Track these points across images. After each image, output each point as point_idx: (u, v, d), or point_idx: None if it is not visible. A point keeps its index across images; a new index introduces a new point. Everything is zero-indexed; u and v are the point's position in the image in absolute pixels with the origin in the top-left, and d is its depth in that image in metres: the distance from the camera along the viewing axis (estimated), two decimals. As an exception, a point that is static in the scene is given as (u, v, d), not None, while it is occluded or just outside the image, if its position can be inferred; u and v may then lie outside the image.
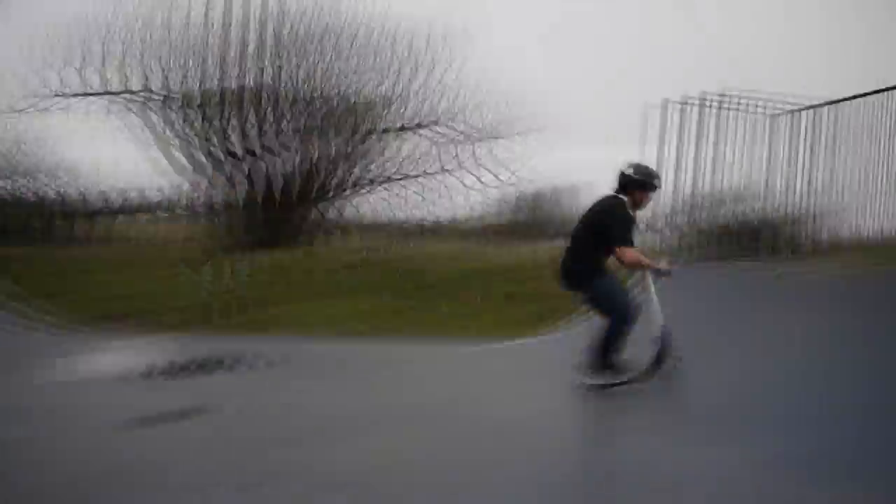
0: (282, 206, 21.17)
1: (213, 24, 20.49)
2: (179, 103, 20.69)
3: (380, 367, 7.84)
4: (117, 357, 8.45)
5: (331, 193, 23.24)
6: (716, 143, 8.98)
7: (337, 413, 5.55)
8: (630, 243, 5.86)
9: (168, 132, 20.94)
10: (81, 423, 5.11)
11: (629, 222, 5.94)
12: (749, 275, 7.96)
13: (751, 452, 4.30)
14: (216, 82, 20.89)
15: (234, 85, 20.00)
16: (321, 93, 21.85)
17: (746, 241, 9.74)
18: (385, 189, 23.56)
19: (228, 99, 20.45)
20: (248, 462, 4.24)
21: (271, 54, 21.22)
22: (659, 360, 5.92)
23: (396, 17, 22.15)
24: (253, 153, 20.85)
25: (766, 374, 6.26)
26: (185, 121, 20.97)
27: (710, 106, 9.05)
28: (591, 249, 5.97)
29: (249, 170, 20.74)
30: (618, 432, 5.33)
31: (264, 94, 21.35)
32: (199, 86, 20.82)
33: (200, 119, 20.92)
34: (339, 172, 22.90)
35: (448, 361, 8.38)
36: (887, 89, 7.57)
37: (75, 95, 19.98)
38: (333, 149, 21.93)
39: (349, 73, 21.94)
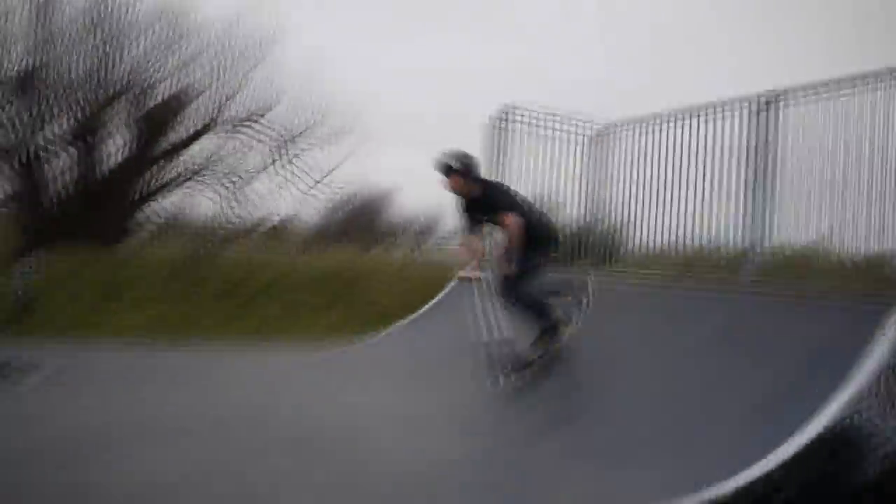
0: (96, 203, 19.81)
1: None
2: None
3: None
4: None
5: (150, 191, 22.10)
6: (536, 157, 9.17)
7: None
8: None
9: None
10: None
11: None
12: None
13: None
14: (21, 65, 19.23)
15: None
16: (141, 83, 20.67)
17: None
18: (205, 188, 22.72)
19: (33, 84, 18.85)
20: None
21: (79, 39, 19.79)
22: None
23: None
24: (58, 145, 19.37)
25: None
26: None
27: (531, 122, 9.28)
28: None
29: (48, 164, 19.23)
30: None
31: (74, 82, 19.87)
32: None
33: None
34: (158, 169, 21.89)
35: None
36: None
37: None
38: (155, 144, 20.88)
39: (170, 65, 20.95)
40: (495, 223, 6.12)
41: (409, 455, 4.80)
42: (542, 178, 9.31)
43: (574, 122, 9.36)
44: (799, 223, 6.41)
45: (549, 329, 6.01)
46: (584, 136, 9.42)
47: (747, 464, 3.71)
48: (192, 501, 3.83)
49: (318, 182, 22.96)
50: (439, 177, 6.11)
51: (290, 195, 23.10)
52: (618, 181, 8.95)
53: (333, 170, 23.00)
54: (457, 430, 5.49)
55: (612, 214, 9.62)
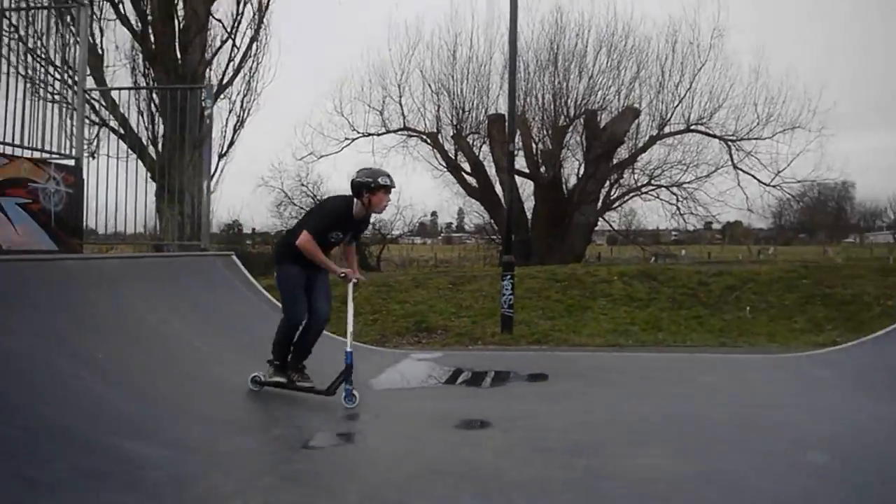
0: (560, 221, 21.92)
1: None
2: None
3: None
4: None
5: (606, 205, 23.62)
6: None
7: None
8: (314, 232, 5.93)
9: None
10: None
11: (331, 216, 6.08)
12: None
13: None
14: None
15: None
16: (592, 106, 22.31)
17: None
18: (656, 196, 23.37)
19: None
20: None
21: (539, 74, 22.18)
22: (339, 377, 5.89)
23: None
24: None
25: None
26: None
27: None
28: (291, 235, 6.25)
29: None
30: None
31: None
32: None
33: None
34: (611, 184, 23.31)
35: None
36: None
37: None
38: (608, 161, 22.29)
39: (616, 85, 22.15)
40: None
41: None
42: None
43: None
44: None
45: None
46: None
47: None
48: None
49: (774, 177, 21.80)
50: (374, 193, 6.01)
51: (743, 194, 22.36)
52: None
53: (789, 164, 21.70)
54: None
55: None
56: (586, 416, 5.76)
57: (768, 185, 22.07)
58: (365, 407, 5.99)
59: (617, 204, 23.80)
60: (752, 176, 21.99)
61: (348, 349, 5.99)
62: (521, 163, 22.36)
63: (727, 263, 20.46)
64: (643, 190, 23.01)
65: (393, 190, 6.17)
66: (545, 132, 22.28)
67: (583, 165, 22.55)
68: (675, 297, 13.97)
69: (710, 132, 21.91)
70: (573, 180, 22.99)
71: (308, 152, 24.07)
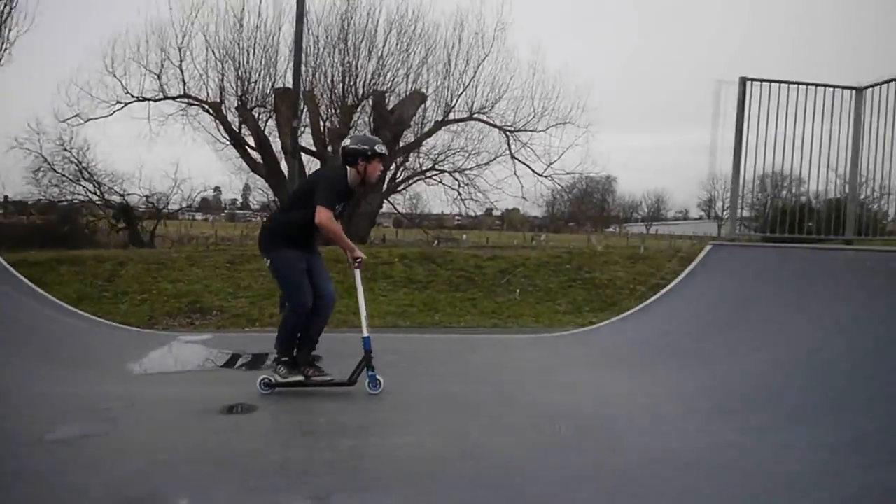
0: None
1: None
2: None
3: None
4: None
5: (391, 188, 23.69)
6: (793, 122, 8.42)
7: None
8: (329, 206, 5.51)
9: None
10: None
11: (337, 187, 5.65)
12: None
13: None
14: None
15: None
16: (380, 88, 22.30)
17: (822, 221, 9.22)
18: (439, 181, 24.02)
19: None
20: None
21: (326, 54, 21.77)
22: (359, 366, 5.82)
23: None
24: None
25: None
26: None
27: (789, 83, 8.54)
28: (288, 214, 5.85)
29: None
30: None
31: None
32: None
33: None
34: (397, 167, 23.48)
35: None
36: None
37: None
38: (394, 143, 22.41)
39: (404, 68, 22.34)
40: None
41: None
42: (785, 150, 8.56)
43: (825, 87, 8.48)
44: None
45: None
46: (841, 99, 8.52)
47: None
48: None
49: (546, 168, 23.30)
50: (370, 162, 5.75)
51: (518, 183, 23.69)
52: (884, 145, 8.00)
53: (560, 156, 23.34)
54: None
55: (875, 182, 8.65)
56: (356, 398, 5.74)
57: (541, 175, 23.63)
58: (118, 395, 5.54)
59: (402, 187, 24.20)
60: (528, 166, 23.43)
61: (365, 334, 5.80)
62: (308, 140, 21.99)
63: (502, 248, 21.61)
64: (427, 174, 23.63)
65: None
66: (333, 110, 22.05)
67: (370, 147, 22.58)
68: (453, 279, 14.48)
69: (491, 121, 22.97)
70: (360, 161, 22.97)
71: (73, 114, 21.71)
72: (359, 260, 5.93)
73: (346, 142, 5.88)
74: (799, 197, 10.58)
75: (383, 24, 21.93)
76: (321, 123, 22.06)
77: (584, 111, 23.02)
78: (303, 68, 18.80)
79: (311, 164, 22.66)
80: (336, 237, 5.62)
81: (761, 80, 8.50)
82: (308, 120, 21.65)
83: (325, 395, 5.80)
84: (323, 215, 5.43)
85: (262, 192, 26.39)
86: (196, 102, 21.93)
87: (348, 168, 5.71)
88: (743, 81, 8.60)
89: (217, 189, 44.65)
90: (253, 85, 21.58)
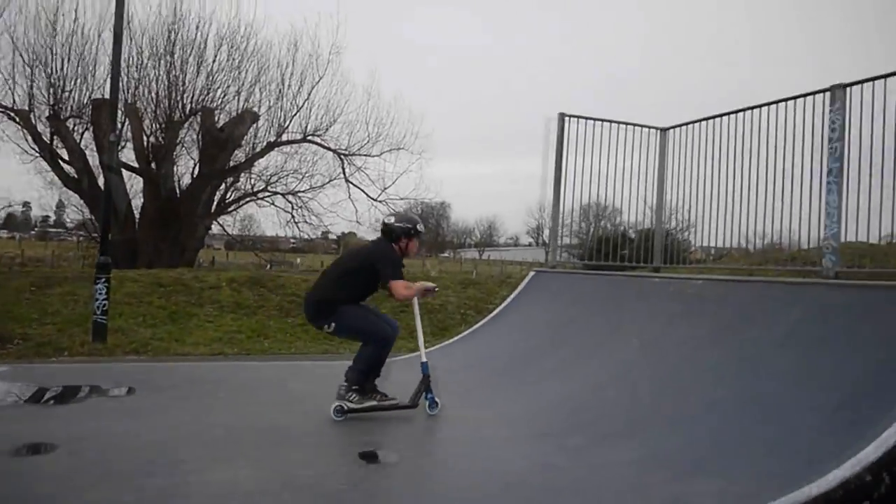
0: (168, 223, 20.56)
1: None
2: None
3: None
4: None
5: (219, 209, 22.75)
6: (608, 156, 9.01)
7: None
8: (401, 278, 6.11)
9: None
10: None
11: (397, 261, 6.18)
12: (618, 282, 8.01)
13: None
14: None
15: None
16: (208, 105, 21.42)
17: (635, 249, 9.91)
18: (271, 204, 23.43)
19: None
20: None
21: (151, 66, 20.62)
22: (418, 389, 6.20)
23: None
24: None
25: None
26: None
27: (603, 121, 9.13)
28: (346, 291, 6.16)
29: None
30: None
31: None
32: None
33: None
34: (226, 188, 22.63)
35: None
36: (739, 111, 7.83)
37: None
38: (223, 163, 21.56)
39: (235, 86, 21.67)
40: None
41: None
42: (600, 183, 9.16)
43: (633, 126, 9.19)
44: (877, 214, 6.17)
45: None
46: (649, 137, 9.25)
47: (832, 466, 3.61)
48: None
49: (381, 193, 23.41)
50: (411, 240, 6.30)
51: (353, 207, 23.62)
52: (685, 181, 8.76)
53: (394, 181, 23.56)
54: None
55: (679, 214, 9.44)
56: (171, 432, 5.38)
57: (376, 199, 23.68)
58: None
59: (232, 208, 23.35)
60: (362, 190, 23.38)
61: (423, 360, 6.21)
62: (130, 156, 20.70)
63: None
64: (259, 195, 22.96)
65: None
66: (158, 125, 20.91)
67: (198, 165, 21.65)
68: (284, 304, 14.12)
69: (326, 144, 22.74)
70: (187, 179, 21.94)
71: None
72: (434, 288, 6.40)
73: (391, 220, 6.35)
74: (616, 227, 11.34)
75: (213, 38, 21.13)
76: (144, 139, 20.84)
77: (418, 138, 23.42)
78: (124, 79, 17.70)
79: (133, 181, 21.38)
80: (416, 296, 6.19)
81: (578, 117, 9.08)
82: (130, 134, 20.38)
83: (136, 431, 5.39)
84: (403, 290, 6.04)
85: (76, 210, 24.35)
86: (1, 109, 19.99)
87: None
88: (562, 117, 9.14)
89: (26, 205, 40.62)
90: (67, 94, 20.01)
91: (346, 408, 6.03)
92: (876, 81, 6.20)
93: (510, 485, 4.33)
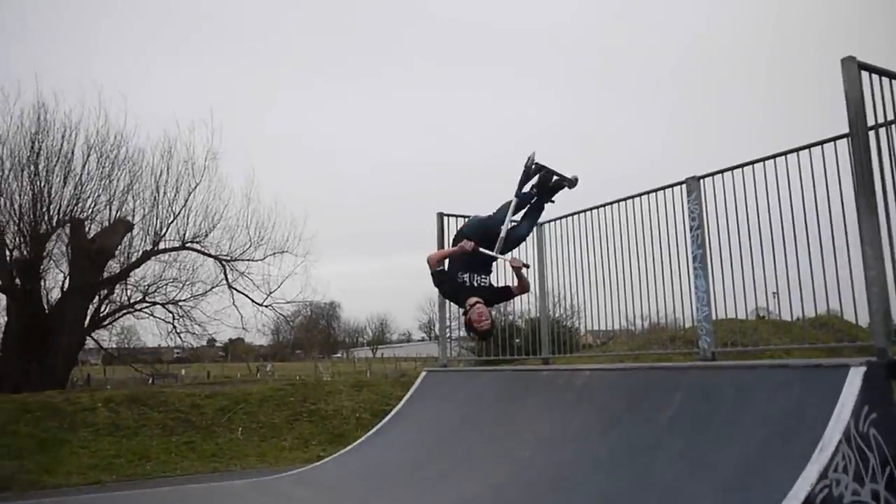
0: (37, 342, 19.20)
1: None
2: None
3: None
4: None
5: (95, 321, 21.52)
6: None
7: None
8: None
9: None
10: None
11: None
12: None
13: None
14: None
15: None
16: (79, 214, 20.54)
17: (519, 339, 10.04)
18: (151, 314, 22.44)
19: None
20: None
21: (14, 175, 19.66)
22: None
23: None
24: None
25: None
26: None
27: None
28: None
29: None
30: None
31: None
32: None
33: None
34: (101, 300, 21.50)
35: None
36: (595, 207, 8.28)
37: None
38: (97, 274, 20.54)
39: (107, 194, 20.96)
40: None
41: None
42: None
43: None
44: (744, 291, 6.56)
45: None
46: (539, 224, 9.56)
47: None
48: None
49: (266, 297, 22.90)
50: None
51: (238, 313, 22.93)
52: (566, 269, 9.06)
53: (279, 285, 23.14)
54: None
55: (564, 301, 9.70)
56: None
57: (261, 304, 23.09)
58: None
59: (108, 321, 22.05)
60: (246, 296, 22.75)
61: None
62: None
63: (222, 384, 20.47)
64: (136, 307, 21.88)
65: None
66: (22, 239, 19.72)
67: (68, 278, 20.47)
68: (167, 422, 13.30)
69: (206, 251, 22.12)
70: (56, 294, 20.66)
71: None
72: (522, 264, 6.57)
73: None
74: (506, 316, 11.50)
75: (81, 146, 20.36)
76: (7, 253, 19.59)
77: (301, 240, 23.27)
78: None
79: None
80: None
81: (455, 216, 9.35)
82: (-9, 250, 19.18)
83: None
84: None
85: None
86: None
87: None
88: (440, 216, 9.39)
89: None
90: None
91: None
92: (725, 173, 6.72)
93: None
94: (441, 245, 9.26)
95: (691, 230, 6.95)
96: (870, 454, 4.24)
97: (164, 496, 8.45)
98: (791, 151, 6.10)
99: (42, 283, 20.29)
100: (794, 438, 4.36)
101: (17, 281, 19.67)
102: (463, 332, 8.07)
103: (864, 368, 4.42)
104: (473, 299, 6.29)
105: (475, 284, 6.52)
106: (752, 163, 6.43)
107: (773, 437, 4.54)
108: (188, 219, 21.67)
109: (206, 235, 21.94)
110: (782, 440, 4.45)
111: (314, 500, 7.44)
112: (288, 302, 23.70)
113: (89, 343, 22.90)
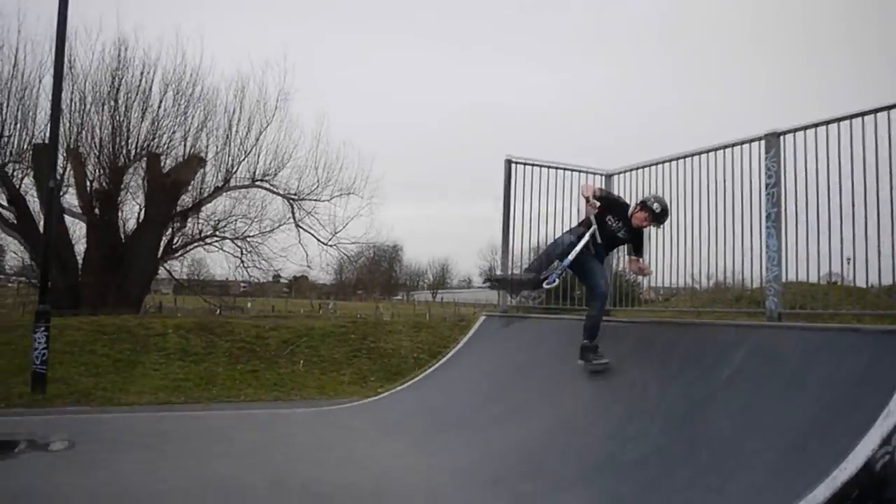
0: (114, 268, 20.05)
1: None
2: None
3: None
4: None
5: (167, 253, 22.27)
6: (555, 199, 9.15)
7: None
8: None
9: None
10: None
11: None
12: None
13: None
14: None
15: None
16: (155, 150, 21.15)
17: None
18: (220, 248, 23.05)
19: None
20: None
21: (95, 110, 20.28)
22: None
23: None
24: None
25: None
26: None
27: (551, 167, 9.28)
28: None
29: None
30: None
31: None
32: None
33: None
34: (174, 232, 22.21)
35: None
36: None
37: None
38: (171, 208, 21.20)
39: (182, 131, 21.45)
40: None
41: None
42: (549, 225, 9.28)
43: (580, 171, 9.38)
44: (818, 255, 6.36)
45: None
46: (595, 179, 9.43)
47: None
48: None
49: (332, 237, 23.27)
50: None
51: (303, 251, 23.39)
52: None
53: (345, 225, 23.47)
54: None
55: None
56: (111, 488, 5.17)
57: (326, 244, 23.50)
58: None
59: (179, 253, 22.86)
60: (312, 234, 23.18)
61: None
62: (73, 201, 20.21)
63: (286, 318, 21.07)
64: (207, 240, 22.60)
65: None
66: (102, 170, 20.48)
67: (143, 210, 21.25)
68: (233, 350, 13.81)
69: (275, 189, 22.55)
70: (132, 224, 21.48)
71: None
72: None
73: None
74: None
75: (158, 83, 20.91)
76: (87, 183, 20.39)
77: (368, 182, 23.43)
78: (66, 124, 17.35)
79: (77, 227, 20.84)
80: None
81: (524, 163, 9.24)
82: (72, 179, 19.94)
83: (68, 489, 5.15)
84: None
85: (16, 256, 23.54)
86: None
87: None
88: (508, 163, 9.29)
89: (-38, 249, 38.98)
90: (7, 139, 19.51)
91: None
92: (808, 130, 6.46)
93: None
94: (508, 189, 9.21)
95: (767, 188, 6.73)
96: (937, 424, 4.11)
97: (230, 419, 8.84)
98: (878, 111, 5.81)
99: (119, 214, 21.12)
100: (859, 403, 4.26)
101: (97, 211, 20.50)
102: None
103: (939, 336, 4.27)
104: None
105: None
106: (838, 120, 6.16)
107: (838, 401, 4.45)
108: (258, 157, 22.10)
109: (276, 174, 22.34)
110: (847, 404, 4.36)
111: (370, 431, 7.68)
112: (352, 242, 24.02)
113: (162, 273, 23.78)
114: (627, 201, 7.31)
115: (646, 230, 7.09)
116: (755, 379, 5.20)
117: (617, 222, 6.86)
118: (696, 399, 5.40)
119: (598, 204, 6.79)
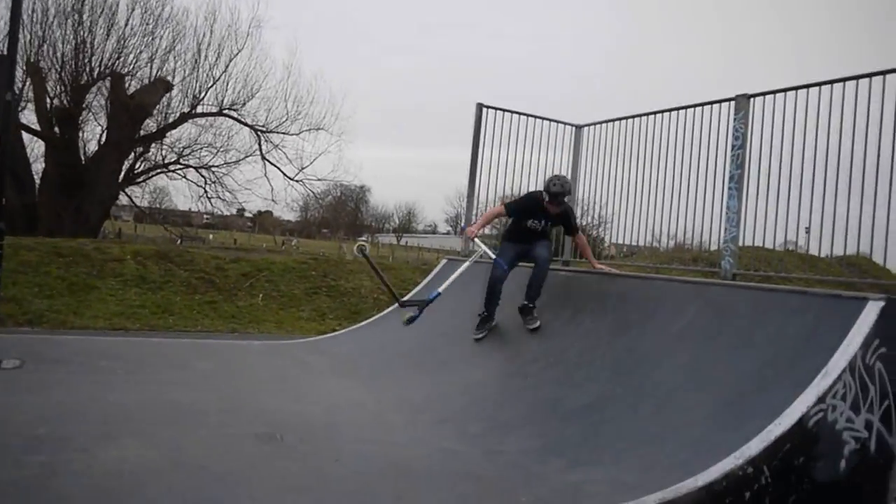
0: (72, 190, 19.57)
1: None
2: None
3: None
4: None
5: (128, 179, 21.81)
6: (524, 149, 9.13)
7: None
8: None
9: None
10: None
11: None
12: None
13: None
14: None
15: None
16: (120, 70, 20.49)
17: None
18: (183, 177, 22.65)
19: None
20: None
21: (58, 23, 19.51)
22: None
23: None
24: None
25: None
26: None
27: (522, 114, 9.23)
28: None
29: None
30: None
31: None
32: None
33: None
34: (136, 157, 21.72)
35: None
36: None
37: None
38: (134, 132, 20.66)
39: (148, 52, 20.80)
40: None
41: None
42: (517, 174, 9.30)
43: (551, 121, 9.34)
44: (775, 222, 6.48)
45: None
46: (563, 133, 9.42)
47: (716, 458, 3.79)
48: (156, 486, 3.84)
49: (298, 172, 23.03)
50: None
51: (269, 185, 23.14)
52: (598, 178, 8.99)
53: (312, 161, 23.24)
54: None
55: (591, 212, 9.66)
56: (61, 408, 5.14)
57: (292, 178, 23.27)
58: None
59: (141, 179, 22.49)
60: (278, 168, 22.93)
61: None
62: (31, 118, 19.63)
63: (248, 251, 20.94)
64: (170, 167, 22.20)
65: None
66: (63, 88, 19.85)
67: (105, 132, 20.70)
68: (192, 280, 13.72)
69: (242, 119, 22.15)
70: (93, 147, 20.96)
71: None
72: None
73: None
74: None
75: (126, 0, 20.26)
76: (48, 100, 19.76)
77: (338, 119, 23.17)
78: (27, 36, 16.69)
79: (35, 144, 20.27)
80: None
81: (496, 108, 9.18)
82: (32, 95, 19.32)
83: (17, 407, 5.12)
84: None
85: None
86: None
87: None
88: (480, 107, 9.21)
89: None
90: (-41, 49, 18.71)
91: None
92: (777, 94, 6.51)
93: (407, 469, 4.36)
94: (477, 135, 9.16)
95: (733, 149, 6.81)
96: (871, 386, 4.28)
97: (184, 347, 8.81)
98: (847, 79, 5.87)
99: (80, 134, 20.60)
100: (800, 362, 4.41)
101: (56, 129, 19.92)
102: (485, 231, 8.39)
103: (882, 304, 4.41)
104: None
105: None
106: (807, 86, 6.22)
107: (780, 359, 4.59)
108: (227, 85, 21.67)
109: (244, 104, 21.96)
110: (789, 363, 4.51)
111: (325, 365, 7.74)
112: (319, 179, 23.89)
113: (123, 199, 23.41)
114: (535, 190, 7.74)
115: (566, 210, 7.26)
116: (705, 334, 5.34)
117: (536, 221, 7.17)
118: (647, 350, 5.53)
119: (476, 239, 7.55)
